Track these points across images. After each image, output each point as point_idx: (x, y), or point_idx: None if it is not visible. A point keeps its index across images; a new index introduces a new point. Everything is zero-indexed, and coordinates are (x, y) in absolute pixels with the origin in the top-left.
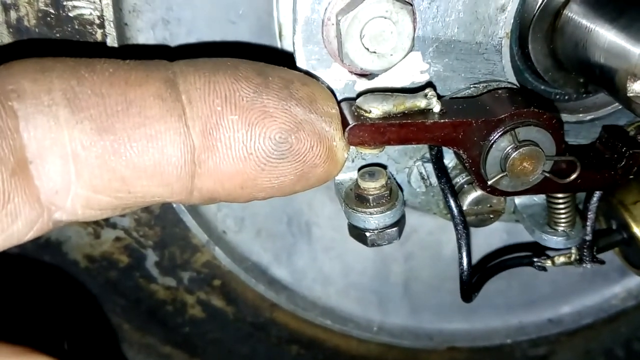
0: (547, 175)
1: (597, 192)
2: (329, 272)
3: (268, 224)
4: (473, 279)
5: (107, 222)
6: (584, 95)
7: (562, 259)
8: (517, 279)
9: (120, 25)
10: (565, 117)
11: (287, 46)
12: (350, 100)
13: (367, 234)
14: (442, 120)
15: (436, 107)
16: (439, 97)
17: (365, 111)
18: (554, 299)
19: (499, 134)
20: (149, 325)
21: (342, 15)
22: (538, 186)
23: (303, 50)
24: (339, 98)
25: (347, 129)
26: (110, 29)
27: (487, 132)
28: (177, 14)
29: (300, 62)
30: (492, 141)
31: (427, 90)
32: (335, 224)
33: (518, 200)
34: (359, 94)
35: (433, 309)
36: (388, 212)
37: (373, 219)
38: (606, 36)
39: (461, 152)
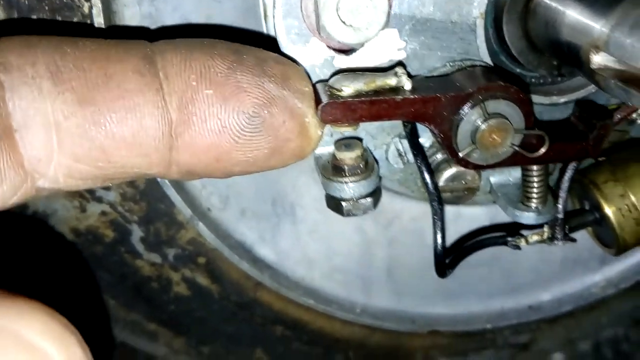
0: (516, 149)
1: (570, 170)
2: (313, 254)
3: (253, 204)
4: (449, 258)
5: (93, 196)
6: (559, 79)
7: (535, 238)
8: (498, 265)
9: None
10: (540, 99)
11: (272, 27)
12: (325, 82)
13: (343, 203)
14: (412, 97)
15: (407, 85)
16: (410, 75)
17: (337, 90)
18: (534, 286)
19: (468, 107)
20: (134, 302)
21: None
22: (510, 159)
23: (283, 24)
24: (318, 73)
25: (320, 106)
26: (97, 1)
27: (457, 106)
28: None
29: (281, 36)
30: (461, 115)
31: (397, 69)
32: (319, 207)
33: (494, 179)
34: (332, 75)
35: (416, 293)
36: (363, 182)
37: (348, 188)
38: (573, 14)
39: (432, 127)
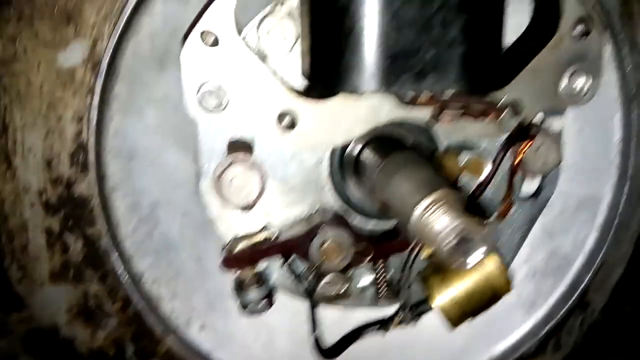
0: (351, 257)
1: (405, 272)
2: (245, 344)
3: (208, 320)
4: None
5: (100, 324)
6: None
7: (394, 324)
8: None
9: None
10: (380, 224)
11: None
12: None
13: (248, 306)
14: (274, 243)
15: (274, 235)
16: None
17: (232, 250)
18: None
19: (310, 240)
20: None
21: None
22: (353, 262)
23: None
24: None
25: (221, 260)
26: None
27: (305, 240)
28: None
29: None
30: (307, 246)
31: (265, 227)
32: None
33: (360, 284)
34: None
35: None
36: (256, 290)
37: (247, 296)
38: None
39: (295, 254)
